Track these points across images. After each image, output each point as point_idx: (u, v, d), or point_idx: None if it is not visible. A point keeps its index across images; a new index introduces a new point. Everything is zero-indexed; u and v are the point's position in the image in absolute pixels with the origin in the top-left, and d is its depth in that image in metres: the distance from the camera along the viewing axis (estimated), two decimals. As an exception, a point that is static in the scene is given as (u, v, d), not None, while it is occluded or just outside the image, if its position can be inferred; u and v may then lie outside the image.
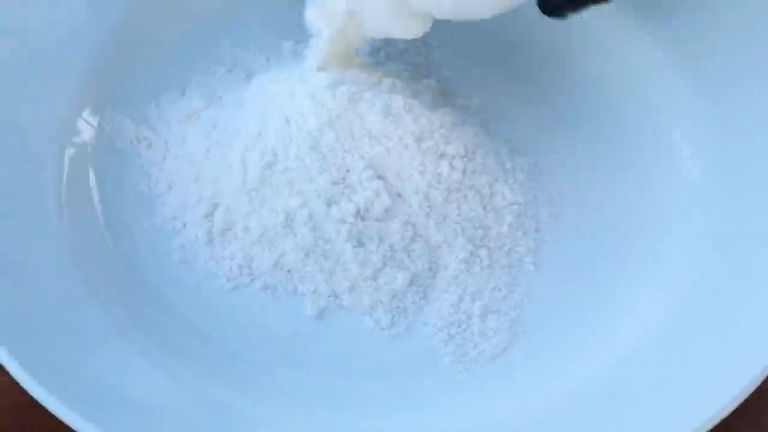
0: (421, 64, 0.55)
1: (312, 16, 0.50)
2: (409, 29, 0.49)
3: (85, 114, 0.52)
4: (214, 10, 0.56)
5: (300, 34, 0.55)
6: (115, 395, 0.43)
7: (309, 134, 0.49)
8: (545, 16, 0.49)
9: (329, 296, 0.48)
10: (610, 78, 0.55)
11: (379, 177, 0.49)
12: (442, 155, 0.50)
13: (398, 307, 0.48)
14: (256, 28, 0.56)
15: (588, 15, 0.51)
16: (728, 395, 0.43)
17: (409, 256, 0.49)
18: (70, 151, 0.50)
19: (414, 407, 0.46)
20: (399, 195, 0.49)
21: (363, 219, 0.49)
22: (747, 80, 0.52)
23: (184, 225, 0.50)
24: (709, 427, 0.42)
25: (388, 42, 0.55)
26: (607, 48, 0.56)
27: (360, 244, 0.49)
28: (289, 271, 0.49)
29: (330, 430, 0.45)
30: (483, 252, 0.50)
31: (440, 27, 0.51)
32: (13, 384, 0.42)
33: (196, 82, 0.54)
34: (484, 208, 0.50)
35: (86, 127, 0.52)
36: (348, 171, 0.49)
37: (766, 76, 0.52)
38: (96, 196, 0.50)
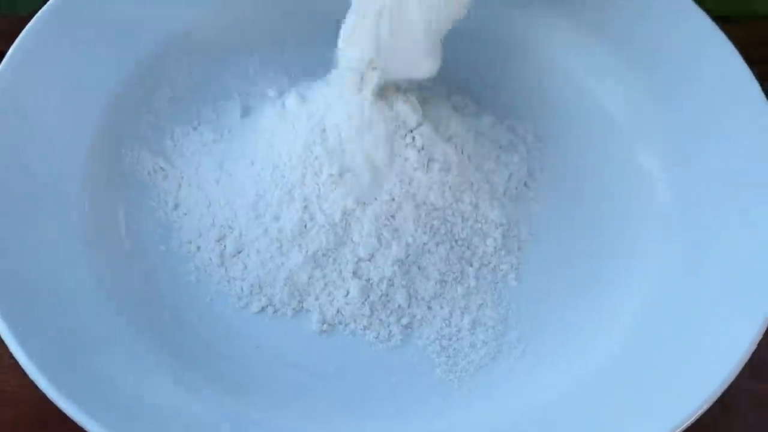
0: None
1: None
2: (423, 69, 0.53)
3: (108, 148, 0.56)
4: (221, 52, 0.60)
5: (299, 70, 0.60)
6: (135, 403, 0.47)
7: (309, 168, 0.53)
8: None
9: (333, 314, 0.52)
10: (587, 108, 0.60)
11: (376, 205, 0.53)
12: (434, 185, 0.54)
13: (396, 323, 0.52)
14: (259, 67, 0.61)
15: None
16: (693, 405, 0.47)
17: (405, 278, 0.53)
18: (94, 182, 0.54)
19: (409, 412, 0.50)
20: (396, 228, 0.53)
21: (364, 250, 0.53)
22: (719, 115, 0.57)
23: (198, 248, 0.54)
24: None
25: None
26: (585, 80, 0.61)
27: (360, 274, 0.53)
28: (296, 291, 0.53)
29: (332, 432, 0.49)
30: (471, 271, 0.54)
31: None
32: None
33: (207, 117, 0.59)
34: (471, 229, 0.54)
35: (109, 160, 0.56)
36: (349, 209, 0.53)
37: (734, 115, 0.56)
38: (119, 223, 0.54)
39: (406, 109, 0.54)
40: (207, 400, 0.49)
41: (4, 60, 0.55)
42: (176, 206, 0.56)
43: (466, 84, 0.61)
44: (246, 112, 0.59)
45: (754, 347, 0.49)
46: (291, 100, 0.56)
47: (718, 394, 0.48)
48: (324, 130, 0.54)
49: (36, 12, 0.57)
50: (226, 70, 0.60)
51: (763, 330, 0.49)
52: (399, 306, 0.53)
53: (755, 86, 0.57)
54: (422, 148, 0.54)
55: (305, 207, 0.53)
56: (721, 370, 0.48)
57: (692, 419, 0.47)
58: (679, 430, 0.47)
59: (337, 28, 0.53)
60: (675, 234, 0.55)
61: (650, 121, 0.58)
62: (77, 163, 0.54)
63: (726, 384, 0.48)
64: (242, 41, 0.61)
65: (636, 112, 0.59)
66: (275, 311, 0.53)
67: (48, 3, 0.57)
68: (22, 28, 0.56)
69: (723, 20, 0.59)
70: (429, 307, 0.53)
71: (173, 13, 0.60)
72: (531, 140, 0.59)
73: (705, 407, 0.47)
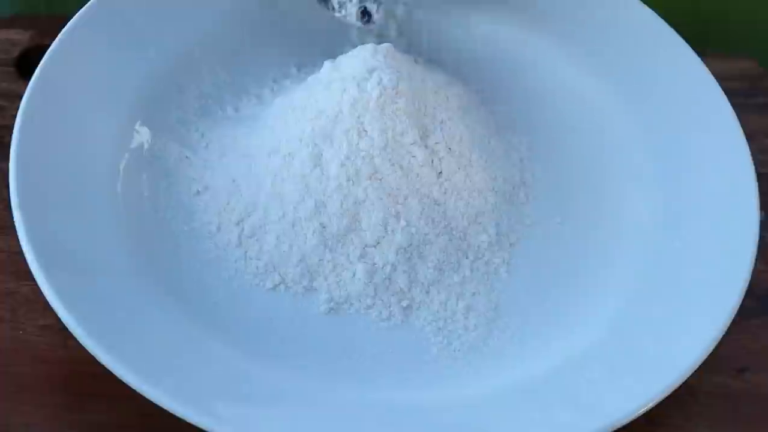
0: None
1: None
2: None
3: (138, 137, 0.61)
4: (244, 54, 0.66)
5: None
6: (164, 357, 0.52)
7: (323, 159, 0.59)
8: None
9: (340, 293, 0.57)
10: (580, 121, 0.66)
11: (386, 197, 0.58)
12: (436, 181, 0.59)
13: (397, 304, 0.57)
14: (278, 69, 0.67)
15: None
16: (663, 384, 0.52)
17: (407, 264, 0.58)
18: (125, 169, 0.59)
19: (407, 385, 0.54)
20: (401, 218, 0.58)
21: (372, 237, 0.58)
22: (698, 132, 0.63)
23: (218, 229, 0.59)
24: (648, 407, 0.52)
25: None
26: (578, 95, 0.67)
27: (366, 258, 0.58)
28: (307, 271, 0.57)
29: (336, 401, 0.53)
30: (466, 262, 0.59)
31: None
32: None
33: (229, 113, 0.64)
34: (468, 225, 0.60)
35: (139, 149, 0.61)
36: (360, 199, 0.58)
37: (707, 129, 0.63)
38: (146, 205, 0.59)
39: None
40: (225, 361, 0.53)
41: (46, 55, 0.60)
42: (198, 192, 0.60)
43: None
44: (266, 107, 0.64)
45: (718, 339, 0.54)
46: (301, 93, 0.61)
47: (684, 377, 0.53)
48: (335, 121, 0.59)
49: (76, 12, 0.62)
50: (248, 71, 0.66)
51: (725, 328, 0.54)
52: (400, 289, 0.57)
53: (723, 100, 0.63)
54: (428, 146, 0.59)
55: (319, 195, 0.58)
56: (686, 360, 0.53)
57: (660, 398, 0.52)
58: (648, 405, 0.52)
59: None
60: (657, 239, 0.60)
61: (639, 133, 0.64)
62: (111, 150, 0.59)
63: (689, 372, 0.53)
64: (263, 44, 0.67)
65: (626, 125, 0.65)
66: (287, 289, 0.57)
67: (87, 4, 0.62)
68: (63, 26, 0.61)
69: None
70: (427, 292, 0.58)
71: (201, 18, 0.65)
72: (525, 151, 0.65)
73: (674, 387, 0.52)
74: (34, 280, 0.51)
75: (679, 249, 0.59)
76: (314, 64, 0.64)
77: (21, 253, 0.52)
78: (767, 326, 0.61)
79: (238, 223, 0.59)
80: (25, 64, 0.69)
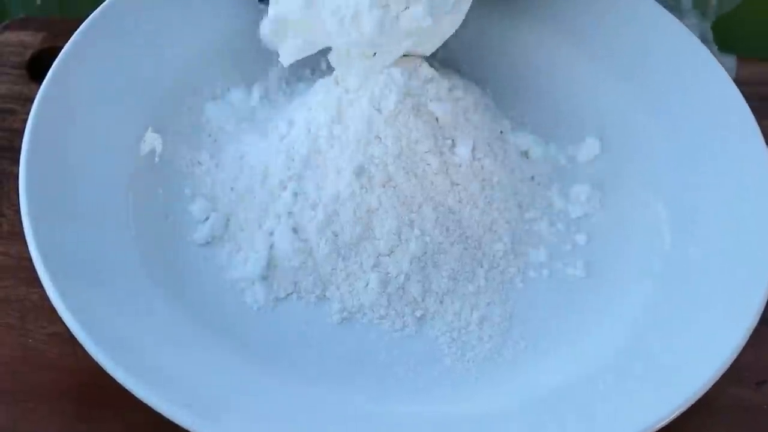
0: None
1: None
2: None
3: (150, 142, 0.60)
4: (255, 60, 0.65)
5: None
6: (170, 369, 0.51)
7: (337, 167, 0.58)
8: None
9: (353, 303, 0.56)
10: (600, 128, 0.65)
11: (400, 205, 0.57)
12: (451, 189, 0.59)
13: (410, 314, 0.56)
14: (288, 74, 0.66)
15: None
16: (677, 402, 0.51)
17: (421, 273, 0.57)
18: (137, 173, 0.58)
19: (420, 395, 0.54)
20: (415, 227, 0.58)
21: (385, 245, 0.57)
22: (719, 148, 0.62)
23: (229, 238, 0.58)
24: (665, 422, 0.51)
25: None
26: (599, 106, 0.66)
27: (380, 268, 0.57)
28: (319, 280, 0.57)
29: (348, 411, 0.52)
30: (481, 271, 0.58)
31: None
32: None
33: (243, 116, 0.63)
34: (483, 234, 0.59)
35: (150, 154, 0.60)
36: (373, 207, 0.57)
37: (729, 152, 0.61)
38: (158, 208, 0.58)
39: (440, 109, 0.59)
40: (235, 371, 0.52)
41: (58, 57, 0.59)
42: (210, 197, 0.59)
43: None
44: (279, 111, 0.63)
45: (737, 351, 0.53)
46: (314, 96, 0.60)
47: (700, 393, 0.52)
48: (347, 129, 0.58)
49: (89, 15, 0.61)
50: (260, 74, 0.65)
51: (746, 339, 0.53)
52: (414, 299, 0.57)
53: (738, 96, 0.62)
54: (442, 154, 0.58)
55: (332, 204, 0.57)
56: (705, 372, 0.52)
57: (677, 412, 0.51)
58: (665, 420, 0.51)
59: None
60: (674, 248, 0.59)
61: (656, 138, 0.63)
62: (122, 155, 0.58)
63: (708, 385, 0.52)
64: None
65: (643, 129, 0.64)
66: (299, 298, 0.57)
67: (100, 7, 0.62)
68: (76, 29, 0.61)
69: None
70: (441, 302, 0.57)
71: (213, 22, 0.65)
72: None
73: (692, 400, 0.51)
74: (43, 287, 0.51)
75: (698, 258, 0.58)
76: (329, 67, 0.62)
77: (31, 259, 0.52)
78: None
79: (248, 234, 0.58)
80: (37, 66, 0.68)
